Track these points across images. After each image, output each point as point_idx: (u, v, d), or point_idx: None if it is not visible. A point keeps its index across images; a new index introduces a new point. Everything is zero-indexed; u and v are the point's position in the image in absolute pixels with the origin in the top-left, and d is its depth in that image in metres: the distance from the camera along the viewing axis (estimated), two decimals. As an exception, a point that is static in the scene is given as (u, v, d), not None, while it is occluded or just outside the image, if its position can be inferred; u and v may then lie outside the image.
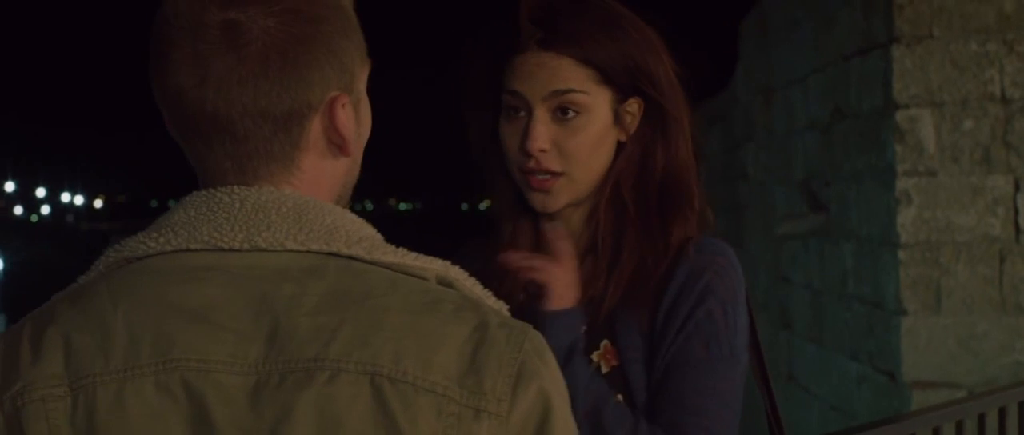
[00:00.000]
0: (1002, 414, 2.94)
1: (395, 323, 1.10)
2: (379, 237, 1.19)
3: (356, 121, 1.22)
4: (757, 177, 7.57)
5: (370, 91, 1.28)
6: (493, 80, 1.82)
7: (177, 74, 1.14)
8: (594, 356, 1.76)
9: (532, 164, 1.77)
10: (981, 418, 2.84)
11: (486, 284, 1.22)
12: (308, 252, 1.14)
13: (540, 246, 1.82)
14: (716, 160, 9.10)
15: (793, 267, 6.45)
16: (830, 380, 5.71)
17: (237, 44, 1.13)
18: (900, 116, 4.64)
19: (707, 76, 1.88)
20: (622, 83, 1.78)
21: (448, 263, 1.18)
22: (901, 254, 4.66)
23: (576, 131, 1.77)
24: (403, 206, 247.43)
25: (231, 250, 1.14)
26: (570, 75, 1.76)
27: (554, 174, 1.77)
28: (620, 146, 1.81)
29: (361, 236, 1.16)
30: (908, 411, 4.36)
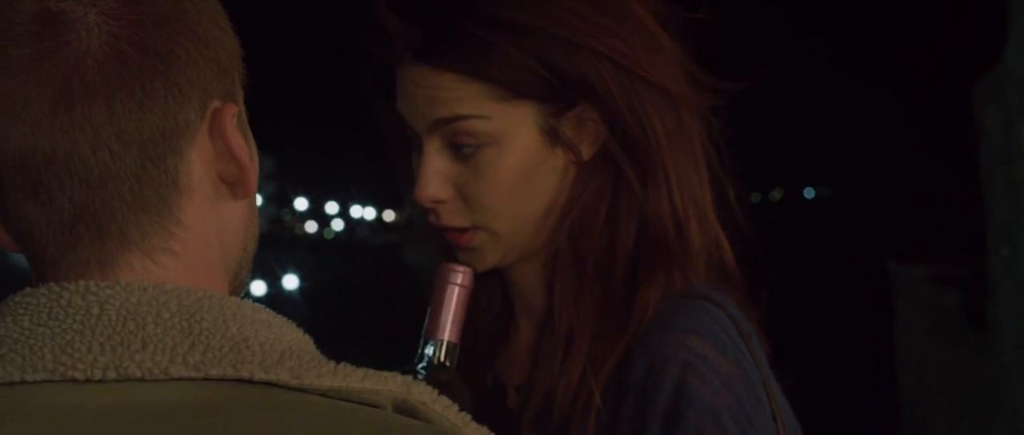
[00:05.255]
0: None
1: None
2: (310, 346, 0.84)
3: (249, 145, 0.86)
4: (1035, 155, 7.04)
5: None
6: (391, 94, 1.30)
7: None
8: None
9: (432, 218, 1.29)
10: None
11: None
12: (206, 380, 0.78)
13: (481, 301, 1.37)
14: (995, 140, 8.54)
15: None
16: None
17: (69, 42, 0.78)
18: None
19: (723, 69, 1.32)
20: (546, 93, 1.25)
21: (409, 379, 0.82)
22: None
23: (481, 171, 1.25)
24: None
25: (89, 381, 0.78)
26: (457, 96, 1.23)
27: (465, 229, 1.28)
28: (578, 168, 1.29)
29: (284, 349, 0.81)
30: None
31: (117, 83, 0.79)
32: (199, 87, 0.82)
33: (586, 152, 1.29)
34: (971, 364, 9.59)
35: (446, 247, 1.34)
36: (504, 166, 1.25)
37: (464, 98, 1.23)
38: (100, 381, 0.78)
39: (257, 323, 0.82)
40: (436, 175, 1.26)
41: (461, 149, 1.25)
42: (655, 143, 1.27)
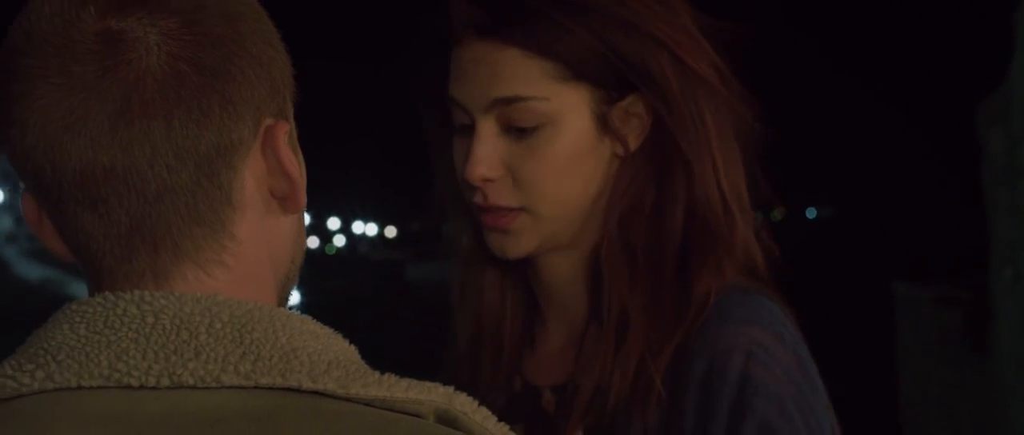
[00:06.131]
0: None
1: None
2: (356, 356, 0.86)
3: (299, 162, 0.89)
4: (1039, 177, 7.05)
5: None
6: (441, 79, 1.32)
7: (46, 116, 0.81)
8: None
9: (478, 198, 1.29)
10: None
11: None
12: (255, 388, 0.80)
13: (508, 304, 1.37)
14: (998, 161, 8.55)
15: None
16: None
17: (130, 60, 0.80)
18: None
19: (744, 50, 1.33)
20: (603, 78, 1.27)
21: (451, 390, 0.85)
22: None
23: (535, 151, 1.26)
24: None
25: (143, 388, 0.79)
26: (518, 74, 1.24)
27: (511, 209, 1.29)
28: (623, 161, 1.30)
29: (331, 359, 0.83)
30: None
31: (175, 101, 0.81)
32: (253, 105, 0.84)
33: (632, 144, 1.30)
34: (972, 385, 9.58)
35: (479, 239, 1.35)
36: (557, 147, 1.26)
37: (524, 77, 1.25)
38: (154, 388, 0.79)
39: (305, 334, 0.84)
40: (489, 154, 1.27)
41: (516, 129, 1.27)
42: (704, 134, 1.29)
